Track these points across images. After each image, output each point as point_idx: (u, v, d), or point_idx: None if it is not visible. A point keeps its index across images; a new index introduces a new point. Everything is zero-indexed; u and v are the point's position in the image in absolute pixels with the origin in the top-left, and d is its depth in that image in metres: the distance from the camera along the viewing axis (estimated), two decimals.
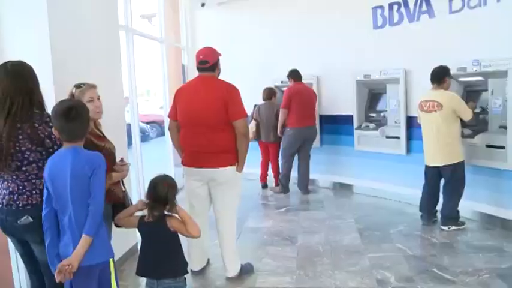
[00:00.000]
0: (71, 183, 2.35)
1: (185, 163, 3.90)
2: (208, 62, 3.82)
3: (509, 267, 3.99)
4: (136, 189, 5.82)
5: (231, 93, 3.72)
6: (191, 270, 4.03)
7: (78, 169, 2.36)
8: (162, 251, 2.81)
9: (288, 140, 6.76)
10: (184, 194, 3.97)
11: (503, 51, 4.72)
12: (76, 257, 2.34)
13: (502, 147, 4.82)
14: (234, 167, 3.78)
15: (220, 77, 3.95)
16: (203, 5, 8.18)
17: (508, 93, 4.72)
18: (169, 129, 4.09)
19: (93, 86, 3.05)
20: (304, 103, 6.64)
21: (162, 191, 2.75)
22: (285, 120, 6.73)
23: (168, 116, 4.05)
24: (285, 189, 6.94)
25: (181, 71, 8.60)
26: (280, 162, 7.07)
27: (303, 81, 6.83)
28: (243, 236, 5.05)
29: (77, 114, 2.39)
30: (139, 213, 2.89)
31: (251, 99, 6.96)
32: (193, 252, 4.04)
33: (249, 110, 6.60)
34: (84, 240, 2.35)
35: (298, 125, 6.62)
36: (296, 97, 6.60)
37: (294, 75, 6.76)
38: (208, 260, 4.26)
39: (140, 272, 2.86)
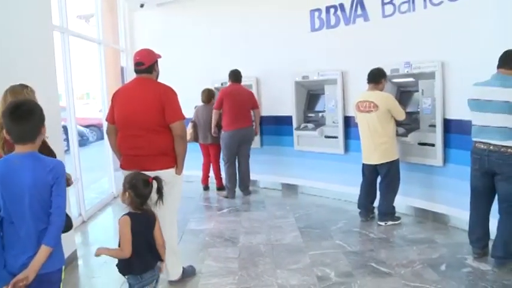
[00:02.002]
0: (31, 192, 2.22)
1: (123, 166, 3.83)
2: (144, 63, 3.78)
3: (439, 257, 4.23)
4: (75, 196, 5.69)
5: (167, 95, 3.69)
6: None
7: (40, 177, 2.24)
8: (152, 240, 2.86)
9: (224, 143, 6.74)
10: None
11: (431, 54, 4.97)
12: (34, 268, 2.20)
13: (432, 145, 5.08)
14: (172, 170, 3.74)
15: (160, 79, 3.93)
16: (142, 5, 8.03)
17: (436, 93, 4.97)
18: (107, 132, 4.01)
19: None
20: (237, 104, 6.58)
21: (147, 188, 2.82)
22: (218, 121, 6.71)
23: (106, 120, 3.98)
24: (231, 193, 6.83)
25: (120, 74, 8.46)
26: (222, 166, 7.07)
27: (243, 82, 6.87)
28: (185, 239, 5.03)
29: (25, 113, 2.25)
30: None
31: (192, 101, 6.95)
32: None
33: (189, 112, 6.60)
34: (44, 251, 2.23)
35: (233, 126, 6.59)
36: (229, 98, 6.56)
37: (231, 75, 6.73)
38: None
39: (142, 268, 2.82)
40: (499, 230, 3.85)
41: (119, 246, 2.80)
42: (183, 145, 3.77)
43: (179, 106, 3.77)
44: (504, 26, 4.27)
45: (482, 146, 3.81)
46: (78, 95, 20.25)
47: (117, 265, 2.83)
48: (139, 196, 2.79)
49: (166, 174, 3.72)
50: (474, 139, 3.91)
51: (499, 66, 3.79)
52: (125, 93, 3.85)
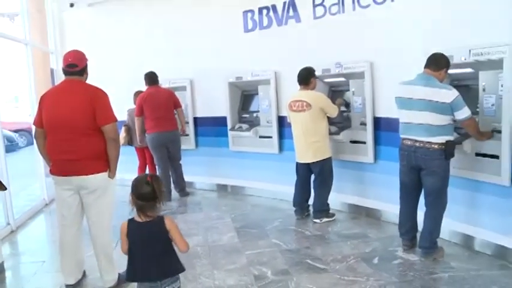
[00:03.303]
0: None
1: (53, 172, 3.71)
2: (78, 65, 3.68)
3: (372, 250, 4.39)
4: (3, 204, 5.43)
5: (98, 97, 3.61)
6: (66, 285, 3.86)
7: None
8: (161, 251, 2.72)
9: (150, 146, 6.64)
10: (55, 205, 3.78)
11: (361, 55, 5.13)
12: None
13: (363, 143, 5.25)
14: (105, 174, 3.66)
15: (91, 81, 3.82)
16: (72, 5, 7.76)
17: (366, 93, 5.13)
18: (35, 137, 3.86)
19: None
20: (158, 107, 6.47)
21: (146, 187, 2.68)
22: (142, 128, 6.61)
23: (34, 123, 3.83)
24: (167, 196, 6.63)
25: (50, 76, 8.14)
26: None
27: (180, 83, 6.82)
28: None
29: None
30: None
31: (124, 103, 6.82)
32: (66, 264, 3.85)
33: (122, 115, 6.46)
34: None
35: (155, 129, 6.48)
36: (148, 102, 6.46)
37: (146, 79, 6.62)
38: (84, 272, 4.07)
39: (138, 277, 2.73)
40: (425, 222, 4.04)
41: None
42: (115, 148, 3.69)
43: (111, 108, 3.69)
44: (426, 28, 4.48)
45: (409, 143, 3.98)
46: (8, 99, 19.43)
47: None
48: (140, 197, 2.69)
49: (99, 178, 3.65)
50: (401, 136, 4.08)
51: (425, 66, 3.96)
52: (53, 96, 3.73)
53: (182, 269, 2.82)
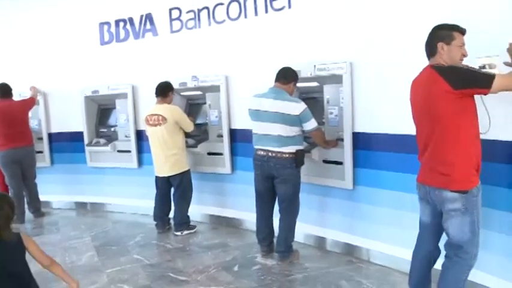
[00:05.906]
0: None
1: None
2: None
3: (232, 259, 4.51)
4: None
5: None
6: None
7: None
8: (22, 273, 2.52)
9: (1, 164, 6.13)
10: None
11: (216, 68, 5.30)
12: None
13: (221, 154, 5.40)
14: None
15: None
16: None
17: (222, 105, 5.30)
18: None
19: None
20: (11, 122, 6.04)
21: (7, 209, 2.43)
22: None
23: None
24: (20, 218, 6.02)
25: None
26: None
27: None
28: None
29: None
30: None
31: None
32: None
33: None
34: None
35: (8, 146, 6.02)
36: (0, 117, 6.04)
37: None
38: None
39: None
40: (280, 227, 4.28)
41: None
42: None
43: None
44: (277, 44, 4.75)
45: (262, 153, 4.18)
46: None
47: None
48: None
49: None
50: (255, 146, 4.27)
51: (275, 80, 4.20)
52: None
53: None
